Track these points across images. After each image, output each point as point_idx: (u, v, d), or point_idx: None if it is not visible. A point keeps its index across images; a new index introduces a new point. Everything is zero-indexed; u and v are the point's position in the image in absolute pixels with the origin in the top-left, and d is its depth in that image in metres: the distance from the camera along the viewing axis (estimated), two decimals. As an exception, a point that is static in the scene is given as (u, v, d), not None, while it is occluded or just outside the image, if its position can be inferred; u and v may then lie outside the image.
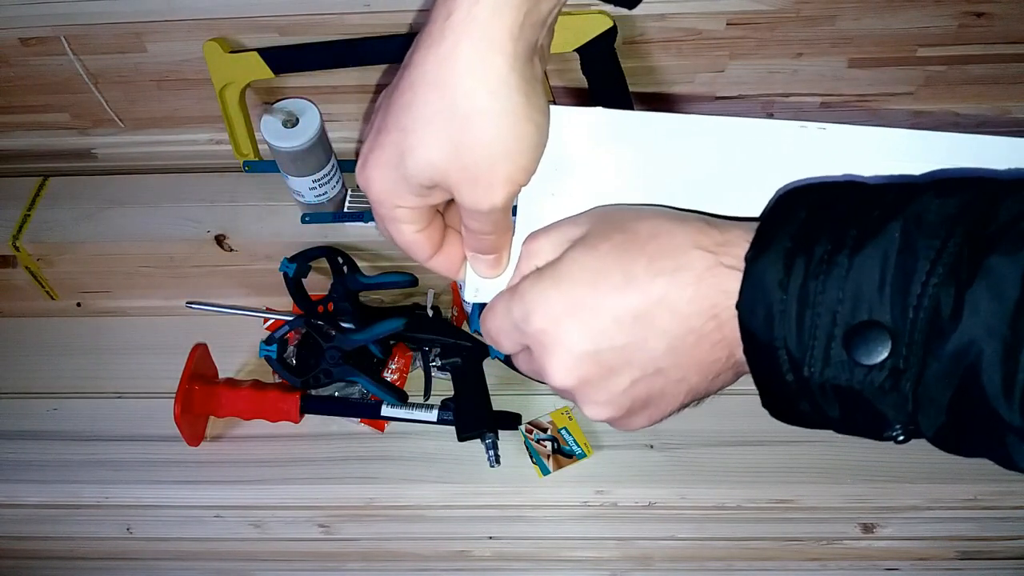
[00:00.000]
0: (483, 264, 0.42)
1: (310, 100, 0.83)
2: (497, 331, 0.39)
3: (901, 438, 0.33)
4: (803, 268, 0.31)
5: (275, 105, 0.83)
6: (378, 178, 0.38)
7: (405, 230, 0.40)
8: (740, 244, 0.34)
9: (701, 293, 0.34)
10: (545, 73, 0.39)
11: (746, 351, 0.34)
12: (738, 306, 0.33)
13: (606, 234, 0.37)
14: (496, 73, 0.34)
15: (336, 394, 0.85)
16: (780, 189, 0.37)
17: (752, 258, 0.33)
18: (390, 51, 0.81)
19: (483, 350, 0.85)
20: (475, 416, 0.81)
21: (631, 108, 0.84)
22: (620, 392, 0.36)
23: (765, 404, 0.36)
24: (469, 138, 0.35)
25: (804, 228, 0.32)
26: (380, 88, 0.88)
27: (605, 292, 0.35)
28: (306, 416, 0.84)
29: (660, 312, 0.34)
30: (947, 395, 0.30)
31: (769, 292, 0.32)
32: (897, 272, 0.30)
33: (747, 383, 0.83)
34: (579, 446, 0.81)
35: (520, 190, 0.38)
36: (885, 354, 0.30)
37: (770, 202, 0.36)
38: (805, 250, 0.32)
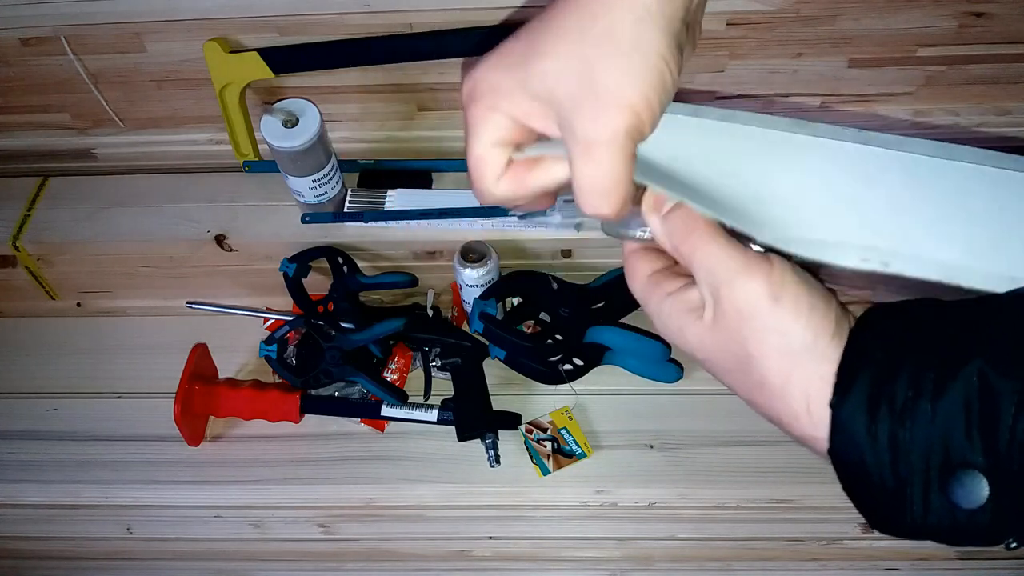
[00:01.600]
0: (594, 197, 0.35)
1: (310, 100, 0.83)
2: (659, 320, 0.40)
3: (1014, 545, 0.34)
4: (887, 415, 0.32)
5: (275, 105, 0.83)
6: (490, 75, 0.36)
7: (486, 140, 0.37)
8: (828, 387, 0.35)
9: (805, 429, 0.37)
10: (684, 49, 0.37)
11: (846, 490, 0.36)
12: (830, 452, 0.35)
13: (730, 354, 0.38)
14: (644, 4, 0.33)
15: (336, 394, 0.85)
16: (859, 317, 0.36)
17: (836, 404, 0.34)
18: (390, 51, 0.81)
19: (483, 350, 0.85)
20: (475, 416, 0.81)
21: None
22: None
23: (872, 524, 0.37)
24: (603, 56, 0.33)
25: (883, 369, 0.32)
26: (380, 88, 0.88)
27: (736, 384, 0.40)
28: (306, 416, 0.84)
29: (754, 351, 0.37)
30: None
31: (859, 440, 0.33)
32: (983, 416, 0.30)
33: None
34: (579, 446, 0.81)
35: (639, 136, 0.35)
36: (984, 496, 0.31)
37: (849, 334, 0.35)
38: (887, 395, 0.32)
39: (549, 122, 0.35)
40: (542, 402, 0.84)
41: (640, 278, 0.40)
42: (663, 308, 0.39)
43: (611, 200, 0.35)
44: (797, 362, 0.35)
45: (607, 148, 0.34)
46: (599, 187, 0.35)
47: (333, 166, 0.85)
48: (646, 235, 0.40)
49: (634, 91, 0.33)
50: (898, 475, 0.32)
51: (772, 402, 0.37)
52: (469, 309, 0.86)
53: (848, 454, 0.34)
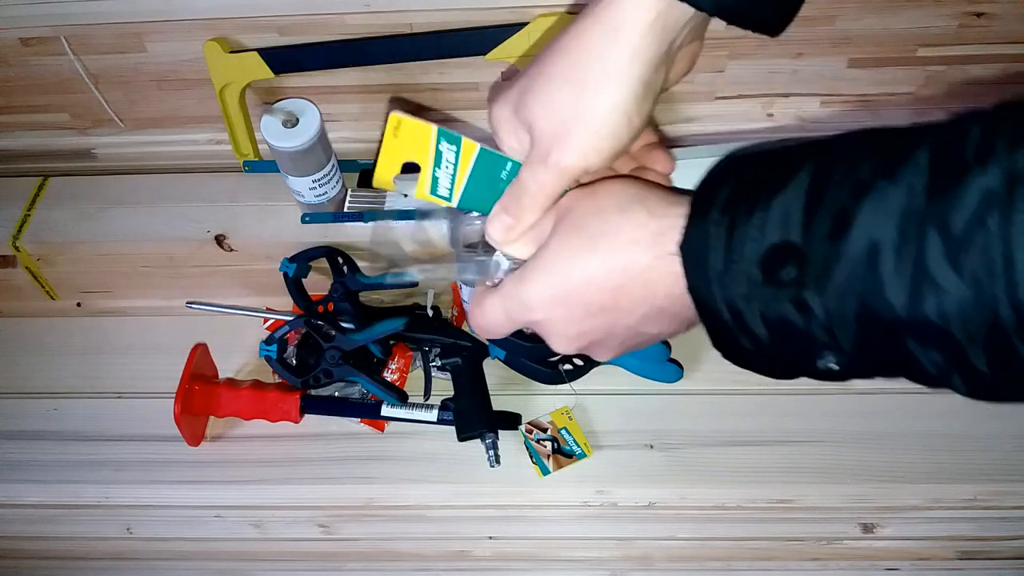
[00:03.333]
0: (500, 225, 0.45)
1: (310, 100, 0.83)
2: (491, 325, 0.45)
3: (835, 366, 0.35)
4: (729, 222, 0.36)
5: (275, 105, 0.83)
6: (497, 110, 0.45)
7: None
8: (676, 230, 0.38)
9: (651, 281, 0.39)
10: (663, 89, 0.43)
11: (698, 308, 0.38)
12: (687, 273, 0.37)
13: (566, 236, 0.42)
14: (616, 62, 0.40)
15: (336, 394, 0.85)
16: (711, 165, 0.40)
17: (687, 240, 0.37)
18: (390, 51, 0.81)
19: (483, 350, 0.85)
20: (475, 416, 0.81)
21: None
22: (613, 347, 0.44)
23: (716, 346, 0.40)
24: (568, 104, 0.41)
25: (731, 196, 0.36)
26: (380, 88, 0.88)
27: (576, 289, 0.41)
28: (306, 416, 0.84)
29: (622, 300, 0.40)
30: (853, 306, 0.32)
31: (705, 252, 0.36)
32: (808, 199, 0.33)
33: (747, 383, 0.83)
34: (579, 446, 0.81)
35: (582, 173, 0.42)
36: (795, 271, 0.33)
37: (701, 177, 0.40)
38: (731, 212, 0.36)
39: (526, 142, 0.44)
40: (542, 402, 0.84)
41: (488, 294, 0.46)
42: (505, 289, 0.44)
43: (532, 204, 0.44)
44: (641, 210, 0.41)
45: (551, 172, 0.42)
46: (530, 191, 0.43)
47: (333, 166, 0.85)
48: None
49: (585, 137, 0.41)
50: (729, 267, 0.35)
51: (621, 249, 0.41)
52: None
53: (696, 270, 0.37)
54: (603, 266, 0.40)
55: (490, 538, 0.86)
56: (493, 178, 0.46)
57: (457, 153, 0.45)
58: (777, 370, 0.38)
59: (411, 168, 0.46)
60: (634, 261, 0.39)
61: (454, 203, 0.47)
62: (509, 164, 0.45)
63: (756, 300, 0.35)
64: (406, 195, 0.47)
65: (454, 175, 0.46)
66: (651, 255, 0.39)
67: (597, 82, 0.40)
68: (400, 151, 0.46)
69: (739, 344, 0.37)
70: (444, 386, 0.84)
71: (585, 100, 0.40)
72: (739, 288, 0.35)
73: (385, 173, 0.46)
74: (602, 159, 0.42)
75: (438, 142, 0.45)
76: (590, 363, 0.84)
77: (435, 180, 0.46)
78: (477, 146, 0.45)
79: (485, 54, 0.80)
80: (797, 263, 0.33)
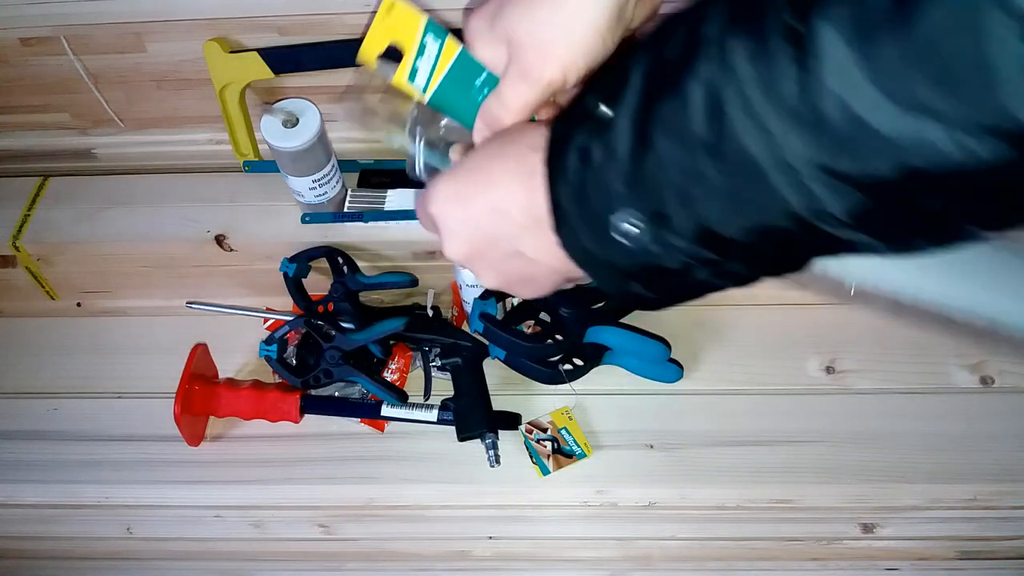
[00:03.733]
0: (503, 110, 0.46)
1: (310, 100, 0.83)
2: (419, 215, 0.47)
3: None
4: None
5: (275, 105, 0.83)
6: (473, 21, 0.46)
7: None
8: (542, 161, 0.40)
9: (535, 188, 0.40)
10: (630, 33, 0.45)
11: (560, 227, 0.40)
12: (556, 227, 0.39)
13: (488, 141, 0.45)
14: None
15: (336, 394, 0.85)
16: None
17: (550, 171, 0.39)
18: (390, 51, 0.81)
19: (483, 350, 0.85)
20: (475, 416, 0.81)
21: None
22: (495, 265, 0.45)
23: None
24: (552, 22, 0.43)
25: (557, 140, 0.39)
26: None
27: (474, 188, 0.43)
28: (306, 416, 0.84)
29: (509, 205, 0.42)
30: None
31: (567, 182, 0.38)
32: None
33: (747, 383, 0.83)
34: (579, 446, 0.81)
35: (561, 87, 0.44)
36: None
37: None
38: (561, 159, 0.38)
39: (502, 55, 0.45)
40: (542, 402, 0.84)
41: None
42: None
43: (511, 117, 0.46)
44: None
45: (532, 86, 0.44)
46: (511, 105, 0.45)
47: (333, 166, 0.85)
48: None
49: (567, 55, 0.43)
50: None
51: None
52: (469, 309, 0.86)
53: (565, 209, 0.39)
54: (502, 167, 0.42)
55: (490, 538, 0.86)
56: (467, 83, 0.47)
57: (440, 49, 0.47)
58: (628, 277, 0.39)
59: (394, 55, 0.49)
60: (529, 167, 0.41)
61: (426, 97, 0.48)
62: (484, 74, 0.47)
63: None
64: (384, 78, 0.49)
65: (432, 70, 0.48)
66: (537, 165, 0.40)
67: (577, 1, 0.42)
68: (388, 32, 0.48)
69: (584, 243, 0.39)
70: (444, 386, 0.84)
71: (566, 17, 0.42)
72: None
73: (369, 50, 0.48)
74: (578, 76, 0.43)
75: (425, 33, 0.47)
76: (590, 363, 0.84)
77: (414, 70, 0.48)
78: (459, 47, 0.47)
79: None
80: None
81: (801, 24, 0.29)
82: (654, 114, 0.34)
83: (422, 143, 0.53)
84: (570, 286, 0.46)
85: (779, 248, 0.35)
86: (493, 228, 0.43)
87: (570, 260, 0.40)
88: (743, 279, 0.38)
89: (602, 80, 0.39)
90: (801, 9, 0.29)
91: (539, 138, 0.41)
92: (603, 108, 0.36)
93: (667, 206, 0.34)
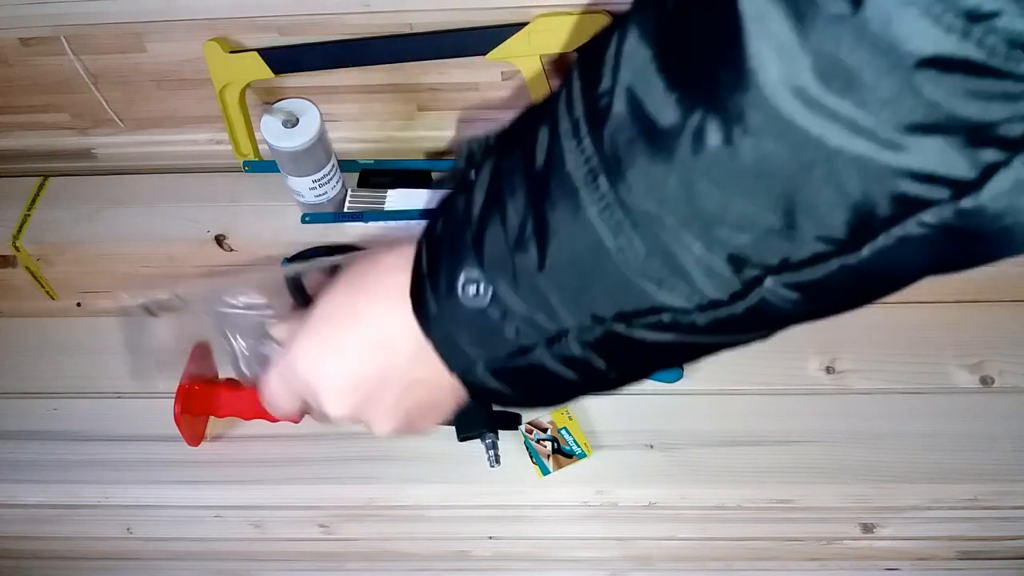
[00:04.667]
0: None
1: (310, 100, 0.83)
2: (277, 399, 0.44)
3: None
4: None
5: (275, 105, 0.83)
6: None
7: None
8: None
9: (407, 306, 0.37)
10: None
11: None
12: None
13: (334, 286, 0.40)
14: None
15: (336, 394, 0.85)
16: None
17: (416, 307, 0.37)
18: (390, 51, 0.81)
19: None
20: (475, 416, 0.81)
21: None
22: (391, 408, 0.41)
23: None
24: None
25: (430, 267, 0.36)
26: (380, 88, 0.88)
27: (340, 332, 0.39)
28: (306, 416, 0.83)
29: (394, 334, 0.38)
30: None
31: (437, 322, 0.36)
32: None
33: (747, 383, 0.83)
34: (579, 446, 0.81)
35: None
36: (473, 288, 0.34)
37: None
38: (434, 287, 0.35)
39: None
40: (542, 402, 0.84)
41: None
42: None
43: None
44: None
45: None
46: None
47: (333, 166, 0.85)
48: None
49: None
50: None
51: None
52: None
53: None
54: (369, 301, 0.39)
55: (490, 538, 0.86)
56: None
57: None
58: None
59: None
60: (399, 288, 0.38)
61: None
62: None
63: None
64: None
65: None
66: (401, 309, 0.37)
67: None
68: None
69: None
70: (444, 386, 0.84)
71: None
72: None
73: None
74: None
75: None
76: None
77: None
78: None
79: (485, 54, 0.80)
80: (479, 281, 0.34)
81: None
82: (503, 170, 0.33)
83: (237, 335, 0.50)
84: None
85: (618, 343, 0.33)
86: (378, 366, 0.39)
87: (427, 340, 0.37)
88: (590, 374, 0.35)
89: (473, 144, 0.37)
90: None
91: (395, 256, 0.38)
92: (471, 171, 0.35)
93: (505, 262, 0.32)
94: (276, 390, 0.44)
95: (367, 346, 0.39)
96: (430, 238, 0.36)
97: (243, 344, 0.50)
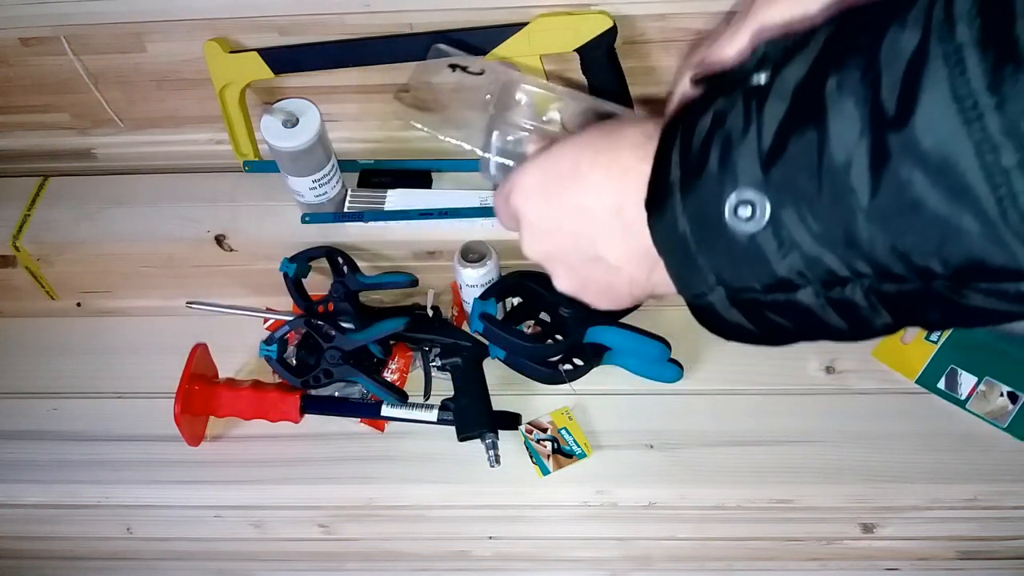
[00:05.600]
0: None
1: (310, 100, 0.83)
2: (498, 211, 0.45)
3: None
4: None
5: (275, 105, 0.83)
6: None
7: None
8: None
9: (627, 188, 0.36)
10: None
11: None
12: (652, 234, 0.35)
13: (576, 135, 0.41)
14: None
15: (336, 394, 0.85)
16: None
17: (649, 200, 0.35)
18: (390, 51, 0.81)
19: (483, 350, 0.85)
20: (475, 416, 0.81)
21: (631, 108, 0.84)
22: (573, 268, 0.41)
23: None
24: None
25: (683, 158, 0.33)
26: (380, 88, 0.88)
27: (559, 180, 0.40)
28: (306, 416, 0.84)
29: (595, 203, 0.38)
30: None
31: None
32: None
33: (747, 383, 0.83)
34: (579, 446, 0.81)
35: None
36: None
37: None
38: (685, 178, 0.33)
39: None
40: (542, 402, 0.84)
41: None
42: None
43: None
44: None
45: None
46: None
47: (333, 166, 0.85)
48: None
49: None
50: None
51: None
52: (469, 309, 0.86)
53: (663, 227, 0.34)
54: (593, 160, 0.38)
55: (490, 538, 0.86)
56: None
57: None
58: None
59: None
60: (622, 161, 0.37)
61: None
62: None
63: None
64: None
65: None
66: (636, 157, 0.36)
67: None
68: None
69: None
70: (444, 386, 0.84)
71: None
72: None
73: None
74: None
75: None
76: (590, 363, 0.84)
77: None
78: None
79: (485, 54, 0.80)
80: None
81: None
82: (830, 75, 0.28)
83: (495, 139, 0.52)
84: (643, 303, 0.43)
85: (930, 287, 0.28)
86: (575, 226, 0.39)
87: (657, 256, 0.35)
88: (859, 323, 0.31)
89: (775, 43, 0.33)
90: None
91: (638, 135, 0.37)
92: (761, 72, 0.31)
93: (808, 190, 0.29)
94: (499, 203, 0.45)
95: (570, 204, 0.39)
96: (685, 143, 0.33)
97: (498, 145, 0.52)
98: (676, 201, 0.32)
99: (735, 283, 0.32)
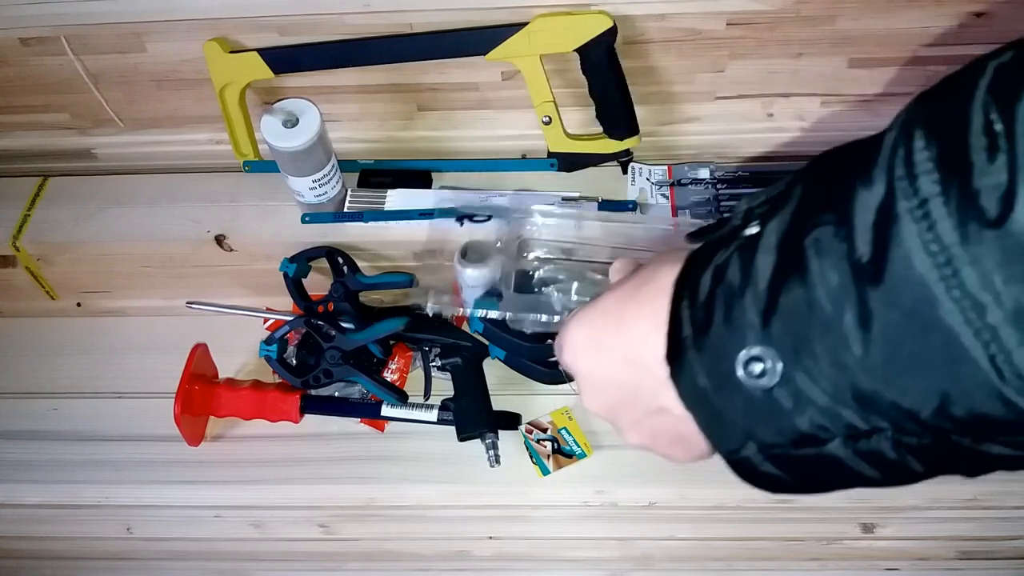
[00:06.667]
0: None
1: (310, 100, 0.83)
2: (560, 358, 0.43)
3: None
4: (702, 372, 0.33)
5: (275, 105, 0.83)
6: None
7: None
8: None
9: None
10: None
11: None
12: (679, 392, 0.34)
13: (626, 278, 0.39)
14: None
15: (336, 394, 0.85)
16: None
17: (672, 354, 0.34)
18: (390, 51, 0.81)
19: (483, 350, 0.85)
20: (475, 416, 0.81)
21: (631, 108, 0.84)
22: (637, 423, 0.40)
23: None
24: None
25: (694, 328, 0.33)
26: (380, 88, 0.88)
27: (604, 333, 0.38)
28: (306, 416, 0.84)
29: (645, 355, 0.36)
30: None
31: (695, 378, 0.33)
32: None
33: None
34: (579, 446, 0.81)
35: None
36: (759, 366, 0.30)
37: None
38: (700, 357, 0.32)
39: None
40: (542, 402, 0.84)
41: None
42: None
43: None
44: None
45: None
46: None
47: (333, 166, 0.85)
48: None
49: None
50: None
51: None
52: (469, 310, 0.85)
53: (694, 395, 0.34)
54: (637, 312, 0.37)
55: (490, 538, 0.86)
56: None
57: None
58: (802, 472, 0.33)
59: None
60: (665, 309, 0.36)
61: None
62: None
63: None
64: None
65: None
66: (662, 333, 0.35)
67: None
68: None
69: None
70: (444, 386, 0.84)
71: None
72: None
73: None
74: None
75: None
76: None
77: None
78: None
79: (485, 54, 0.80)
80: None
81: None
82: (808, 230, 0.28)
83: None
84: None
85: (959, 430, 0.28)
86: (631, 379, 0.37)
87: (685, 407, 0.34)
88: (893, 472, 0.30)
89: (756, 197, 0.34)
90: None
91: (672, 281, 0.35)
92: (751, 225, 0.32)
93: (808, 345, 0.28)
94: (558, 352, 0.43)
95: (621, 357, 0.38)
96: (692, 299, 0.32)
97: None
98: (692, 358, 0.32)
99: (764, 439, 0.32)
